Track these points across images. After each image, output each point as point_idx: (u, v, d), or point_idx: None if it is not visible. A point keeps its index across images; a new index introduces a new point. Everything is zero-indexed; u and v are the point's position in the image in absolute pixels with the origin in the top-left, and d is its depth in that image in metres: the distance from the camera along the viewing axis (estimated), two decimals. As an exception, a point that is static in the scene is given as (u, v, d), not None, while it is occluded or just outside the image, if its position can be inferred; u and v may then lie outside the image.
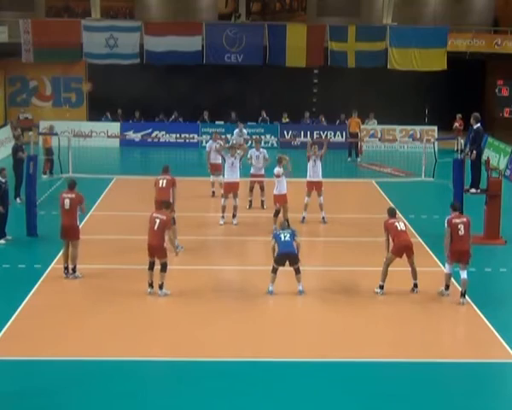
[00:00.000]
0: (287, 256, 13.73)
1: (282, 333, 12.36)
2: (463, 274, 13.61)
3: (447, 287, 13.97)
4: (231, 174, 18.57)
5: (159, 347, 11.78)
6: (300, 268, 13.83)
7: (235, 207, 18.58)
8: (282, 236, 13.81)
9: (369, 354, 11.55)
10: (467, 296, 13.74)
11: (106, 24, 34.02)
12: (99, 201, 21.30)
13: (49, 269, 15.30)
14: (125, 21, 35.35)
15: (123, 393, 10.26)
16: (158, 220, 13.73)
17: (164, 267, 13.74)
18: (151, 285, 13.87)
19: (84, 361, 11.16)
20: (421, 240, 17.77)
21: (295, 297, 13.84)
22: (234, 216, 18.61)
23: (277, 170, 17.90)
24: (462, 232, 13.45)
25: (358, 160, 28.88)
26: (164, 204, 14.44)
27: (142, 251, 16.19)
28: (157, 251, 13.79)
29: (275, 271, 13.83)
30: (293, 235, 13.92)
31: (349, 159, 29.09)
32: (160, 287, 13.77)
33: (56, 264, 15.65)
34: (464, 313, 13.39)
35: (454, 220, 13.56)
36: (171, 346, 11.83)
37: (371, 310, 13.42)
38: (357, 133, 30.01)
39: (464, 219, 13.69)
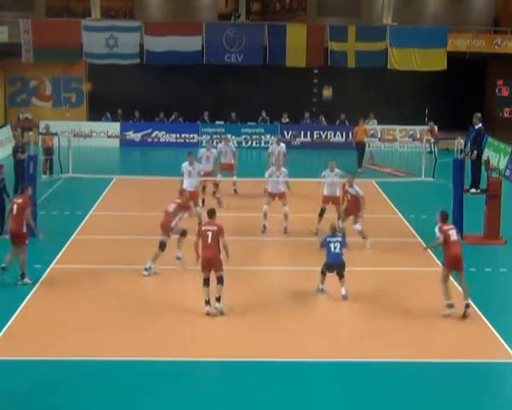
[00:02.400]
0: (336, 267, 13.84)
1: (282, 333, 12.36)
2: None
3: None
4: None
5: (159, 347, 11.77)
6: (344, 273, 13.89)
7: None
8: (332, 246, 13.76)
9: (369, 354, 11.55)
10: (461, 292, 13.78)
11: (106, 24, 34.03)
12: (99, 201, 21.30)
13: (49, 269, 15.31)
14: (125, 21, 35.36)
15: (123, 393, 10.25)
16: (210, 233, 12.94)
17: (221, 280, 12.88)
18: (208, 303, 12.88)
19: (84, 361, 11.16)
20: (421, 240, 17.75)
21: (295, 297, 13.83)
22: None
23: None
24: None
25: (359, 170, 26.34)
26: (211, 213, 13.37)
27: (142, 251, 16.22)
28: (214, 264, 12.92)
29: (324, 273, 14.00)
30: (343, 243, 13.93)
31: (360, 170, 26.41)
32: (218, 300, 12.86)
33: (56, 264, 15.67)
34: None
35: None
36: (171, 346, 11.82)
37: (370, 310, 13.40)
38: (364, 143, 27.59)
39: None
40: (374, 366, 11.20)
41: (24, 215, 14.53)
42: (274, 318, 12.96)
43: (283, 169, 18.61)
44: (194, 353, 11.54)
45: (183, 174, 18.39)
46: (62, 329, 12.37)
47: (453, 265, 13.21)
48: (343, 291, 13.81)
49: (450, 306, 13.03)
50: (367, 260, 16.38)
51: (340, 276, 13.88)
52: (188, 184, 18.10)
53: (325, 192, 18.08)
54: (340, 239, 13.95)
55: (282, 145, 21.93)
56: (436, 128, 31.18)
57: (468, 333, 12.50)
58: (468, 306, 13.01)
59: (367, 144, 28.53)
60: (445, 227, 13.26)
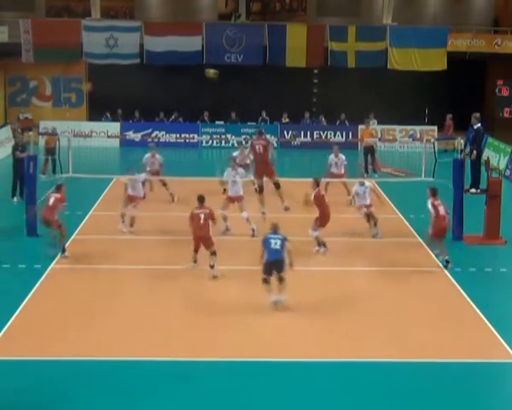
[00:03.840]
0: (275, 264, 13.13)
1: (282, 333, 12.36)
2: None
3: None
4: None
5: (159, 347, 11.77)
6: (289, 267, 13.22)
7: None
8: (273, 242, 13.19)
9: (369, 354, 11.55)
10: (464, 293, 13.79)
11: (106, 24, 34.01)
12: (99, 201, 21.31)
13: (49, 269, 15.31)
14: (125, 21, 35.34)
15: (123, 393, 10.26)
16: (202, 215, 14.89)
17: (214, 253, 14.91)
18: (196, 261, 15.12)
19: (84, 361, 11.16)
20: (421, 240, 17.76)
21: (295, 297, 13.82)
22: None
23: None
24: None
25: (376, 176, 25.70)
26: (201, 198, 15.25)
27: (141, 251, 16.23)
28: (206, 242, 14.98)
29: (266, 281, 13.21)
30: (283, 241, 13.19)
31: (365, 175, 25.04)
32: (212, 267, 14.84)
33: (56, 264, 15.67)
34: (464, 313, 13.38)
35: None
36: (171, 346, 11.82)
37: (370, 310, 13.41)
38: (372, 146, 26.78)
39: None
40: (374, 366, 11.20)
41: (57, 208, 16.24)
42: (273, 318, 12.96)
43: (240, 170, 18.69)
44: (195, 353, 11.54)
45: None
46: (62, 329, 12.38)
47: (439, 234, 15.73)
48: (281, 297, 13.12)
49: (447, 262, 15.65)
50: (367, 259, 16.37)
51: (280, 279, 13.15)
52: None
53: (229, 193, 18.26)
54: (280, 237, 13.24)
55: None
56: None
57: (467, 333, 12.51)
58: (447, 261, 15.59)
59: (375, 146, 27.62)
60: (436, 202, 15.73)
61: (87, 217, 19.25)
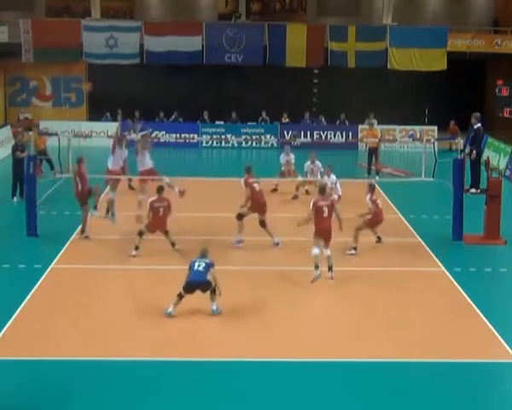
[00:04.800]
0: (197, 285, 12.87)
1: (283, 333, 12.37)
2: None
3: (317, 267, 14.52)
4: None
5: (159, 347, 11.77)
6: (217, 290, 12.88)
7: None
8: (197, 264, 12.90)
9: (369, 354, 11.55)
10: (464, 293, 13.75)
11: (106, 24, 34.02)
12: (99, 201, 21.24)
13: (49, 269, 15.31)
14: (124, 21, 35.35)
15: (123, 393, 10.26)
16: (162, 209, 15.86)
17: (167, 233, 16.19)
18: (137, 248, 16.08)
19: (84, 361, 11.16)
20: (421, 240, 17.77)
21: (295, 297, 13.84)
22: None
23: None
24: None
25: (377, 178, 24.90)
26: (159, 189, 16.16)
27: (142, 251, 16.21)
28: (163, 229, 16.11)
29: (180, 297, 12.87)
30: (208, 266, 12.89)
31: (366, 176, 25.64)
32: (173, 245, 16.23)
33: (56, 264, 15.67)
34: (464, 312, 13.38)
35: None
36: (171, 346, 11.83)
37: (370, 310, 13.41)
38: (376, 147, 26.45)
39: (329, 202, 14.99)
40: (373, 365, 11.19)
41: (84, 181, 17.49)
42: (273, 318, 12.97)
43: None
44: (195, 353, 11.54)
45: None
46: (62, 329, 12.37)
47: (375, 224, 16.98)
48: (213, 306, 12.94)
49: (355, 248, 16.45)
50: (367, 259, 16.37)
51: (212, 291, 12.91)
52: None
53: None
54: (207, 261, 12.93)
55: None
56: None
57: (468, 333, 12.51)
58: (355, 248, 16.49)
59: (379, 147, 27.16)
60: (374, 197, 16.83)
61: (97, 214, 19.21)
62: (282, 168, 22.89)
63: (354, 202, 19.98)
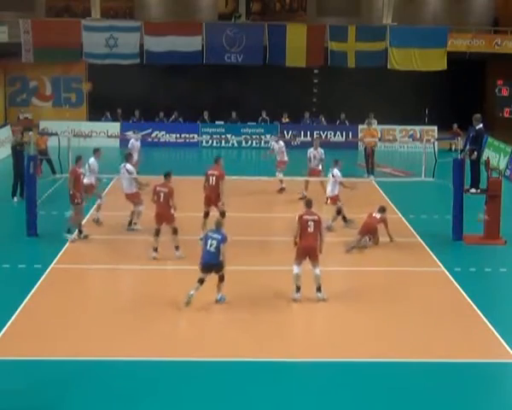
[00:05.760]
0: (211, 267, 13.12)
1: (282, 333, 12.37)
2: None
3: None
4: None
5: (159, 347, 11.77)
6: (225, 276, 13.14)
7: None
8: (209, 242, 13.05)
9: (369, 354, 11.55)
10: (464, 293, 13.76)
11: (106, 24, 34.01)
12: (99, 201, 21.24)
13: (49, 269, 15.30)
14: (124, 21, 35.34)
15: (123, 393, 10.26)
16: (162, 194, 15.75)
17: (175, 231, 15.77)
18: (156, 250, 15.84)
19: (84, 361, 11.16)
20: (421, 240, 17.77)
21: (291, 297, 13.83)
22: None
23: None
24: (311, 230, 13.40)
25: (372, 177, 25.40)
26: (166, 175, 16.08)
27: (142, 251, 16.22)
28: (167, 219, 15.82)
29: (201, 281, 13.12)
30: (219, 243, 12.94)
31: (365, 175, 25.89)
32: (177, 248, 15.82)
33: (56, 264, 15.67)
34: (464, 313, 13.39)
35: (305, 217, 13.51)
36: (171, 346, 11.82)
37: (370, 310, 13.41)
38: (373, 147, 26.40)
39: (316, 217, 13.53)
40: (373, 366, 11.19)
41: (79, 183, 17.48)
42: (273, 318, 12.96)
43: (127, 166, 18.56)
44: (194, 353, 11.54)
45: None
46: (62, 329, 12.37)
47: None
48: (219, 295, 13.26)
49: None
50: (367, 259, 16.37)
51: (221, 278, 13.16)
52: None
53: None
54: (218, 237, 12.98)
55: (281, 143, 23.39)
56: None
57: (468, 333, 12.51)
58: None
59: (375, 147, 27.04)
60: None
61: (87, 216, 19.22)
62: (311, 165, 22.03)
63: (354, 201, 20.03)
